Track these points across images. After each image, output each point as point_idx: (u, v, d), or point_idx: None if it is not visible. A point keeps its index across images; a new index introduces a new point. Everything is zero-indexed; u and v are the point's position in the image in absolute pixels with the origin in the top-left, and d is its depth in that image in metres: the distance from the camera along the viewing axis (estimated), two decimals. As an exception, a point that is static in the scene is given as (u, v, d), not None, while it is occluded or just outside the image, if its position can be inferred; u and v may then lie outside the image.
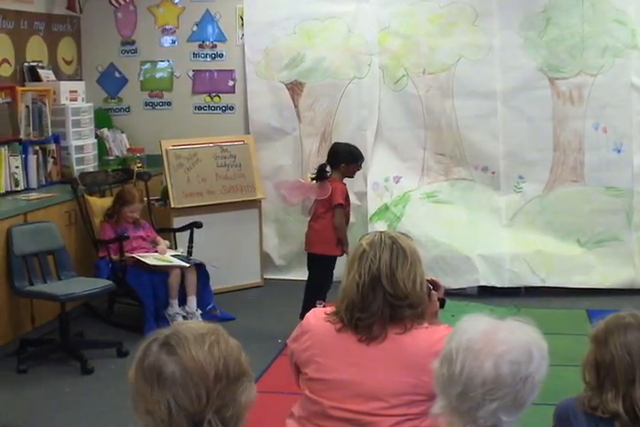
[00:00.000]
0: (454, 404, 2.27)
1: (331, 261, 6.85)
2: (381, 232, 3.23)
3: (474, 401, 2.23)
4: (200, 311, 7.29)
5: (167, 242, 7.70)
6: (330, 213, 6.81)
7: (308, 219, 7.09)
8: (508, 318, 2.37)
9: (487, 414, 2.23)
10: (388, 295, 3.07)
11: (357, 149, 7.04)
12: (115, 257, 7.17)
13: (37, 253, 6.59)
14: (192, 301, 7.30)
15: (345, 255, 6.61)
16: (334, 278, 6.63)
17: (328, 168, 6.87)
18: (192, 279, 7.31)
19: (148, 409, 2.07)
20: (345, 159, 6.86)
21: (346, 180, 7.00)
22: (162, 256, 7.34)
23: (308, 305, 5.93)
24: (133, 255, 7.20)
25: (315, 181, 6.90)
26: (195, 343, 2.09)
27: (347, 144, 7.16)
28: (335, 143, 7.36)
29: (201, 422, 2.05)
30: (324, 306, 3.42)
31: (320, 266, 6.88)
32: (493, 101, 8.30)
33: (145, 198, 7.71)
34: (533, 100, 8.26)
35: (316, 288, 6.79)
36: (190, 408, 2.05)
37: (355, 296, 3.10)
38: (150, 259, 7.20)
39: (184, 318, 7.13)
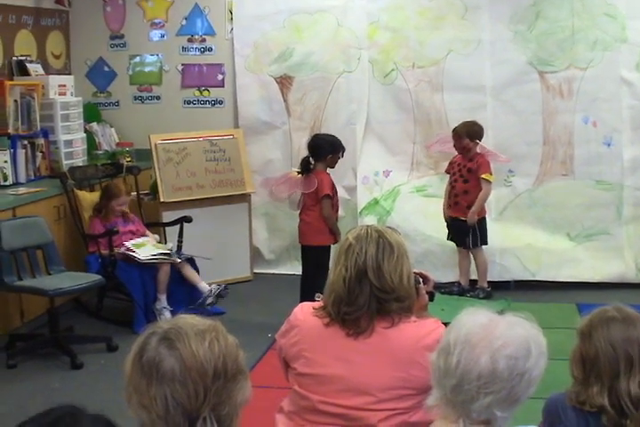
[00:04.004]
0: (449, 396, 2.27)
1: (327, 251, 6.83)
2: (368, 226, 3.23)
3: (468, 394, 2.23)
4: (209, 287, 7.29)
5: (157, 236, 7.69)
6: (319, 205, 6.83)
7: (298, 212, 7.09)
8: (507, 312, 2.36)
9: (481, 407, 2.23)
10: (375, 289, 3.06)
11: (337, 138, 7.06)
12: (104, 252, 7.15)
13: (26, 248, 6.56)
14: (203, 286, 7.31)
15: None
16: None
17: (312, 160, 6.88)
18: (189, 269, 7.35)
19: (144, 404, 2.06)
20: (331, 150, 6.89)
21: (334, 173, 7.01)
22: (155, 243, 7.35)
23: (305, 298, 5.89)
24: (125, 244, 7.18)
25: (300, 175, 6.91)
26: (195, 340, 2.08)
27: (327, 135, 7.24)
28: (315, 135, 7.37)
29: (196, 420, 2.04)
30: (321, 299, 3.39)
31: (317, 257, 6.89)
32: (483, 95, 8.30)
33: (134, 193, 7.70)
34: (523, 94, 8.25)
35: (318, 279, 6.74)
36: (187, 405, 2.03)
37: (341, 290, 3.09)
38: (143, 249, 7.17)
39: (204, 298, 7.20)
